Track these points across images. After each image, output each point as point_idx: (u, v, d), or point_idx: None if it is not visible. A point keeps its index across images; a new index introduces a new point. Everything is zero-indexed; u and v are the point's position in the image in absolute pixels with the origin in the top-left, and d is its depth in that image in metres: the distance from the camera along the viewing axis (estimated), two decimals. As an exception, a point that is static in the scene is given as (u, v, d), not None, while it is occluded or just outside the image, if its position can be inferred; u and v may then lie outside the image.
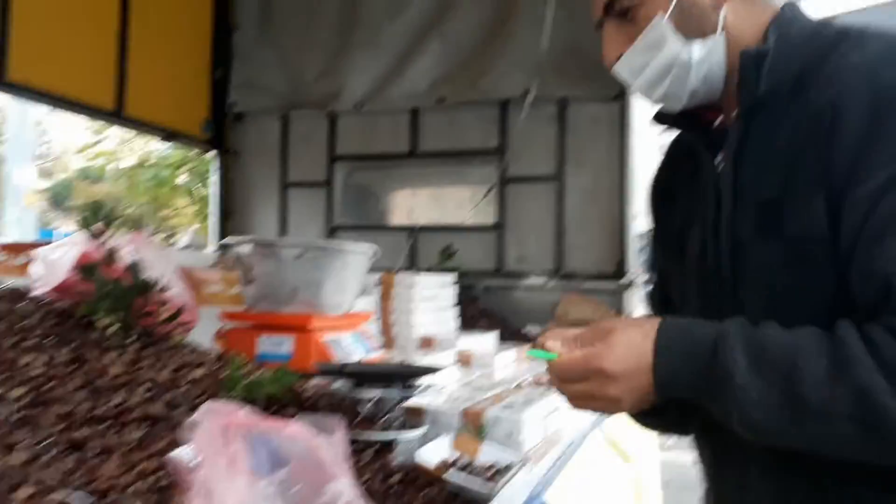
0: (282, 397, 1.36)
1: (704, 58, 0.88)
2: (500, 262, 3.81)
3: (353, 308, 1.99)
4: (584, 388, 0.82)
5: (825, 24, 0.88)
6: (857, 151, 0.75)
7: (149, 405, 1.21)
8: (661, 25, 0.87)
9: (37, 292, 1.52)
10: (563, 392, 0.86)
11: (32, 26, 2.97)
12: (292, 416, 1.33)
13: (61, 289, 1.48)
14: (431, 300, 2.66)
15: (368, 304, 2.44)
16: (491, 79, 3.82)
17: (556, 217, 3.68)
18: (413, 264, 3.91)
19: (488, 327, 3.07)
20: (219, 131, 4.25)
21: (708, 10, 0.88)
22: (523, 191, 3.79)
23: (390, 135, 4.10)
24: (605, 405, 0.84)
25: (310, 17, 4.21)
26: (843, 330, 0.72)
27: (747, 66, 0.86)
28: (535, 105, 3.51)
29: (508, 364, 2.48)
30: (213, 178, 4.41)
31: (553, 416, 1.79)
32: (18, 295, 1.46)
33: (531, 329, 3.32)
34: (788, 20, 0.88)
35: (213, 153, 4.31)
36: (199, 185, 16.68)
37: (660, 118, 1.01)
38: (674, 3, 0.86)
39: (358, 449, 1.30)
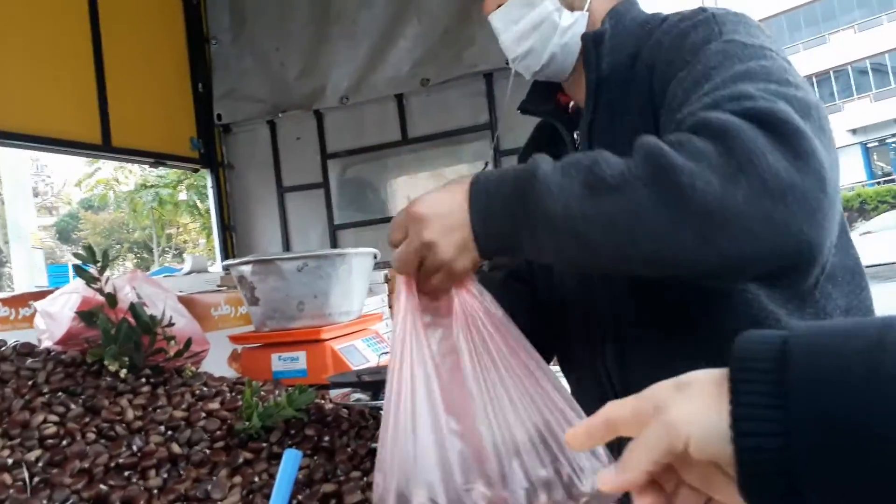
0: (302, 417, 1.34)
1: (569, 27, 1.01)
2: (506, 238, 3.77)
3: (364, 311, 1.97)
4: (405, 243, 0.82)
5: (654, 15, 1.00)
6: (665, 83, 0.86)
7: (167, 446, 1.20)
8: None
9: (43, 345, 1.52)
10: (395, 260, 0.85)
11: (5, 72, 2.95)
12: (315, 435, 1.32)
13: (66, 339, 1.48)
14: (442, 289, 2.64)
15: (378, 303, 2.42)
16: (472, 52, 3.76)
17: (556, 184, 3.63)
18: (420, 253, 3.88)
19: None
20: (209, 146, 4.22)
21: None
22: (520, 162, 3.75)
23: (379, 125, 4.05)
24: (424, 252, 0.80)
25: (283, 18, 4.15)
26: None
27: (587, 46, 1.00)
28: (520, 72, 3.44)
29: (528, 342, 2.46)
30: (210, 195, 4.40)
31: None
32: (26, 351, 1.45)
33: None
34: (623, 11, 1.02)
35: (205, 170, 4.29)
36: (198, 199, 16.82)
37: (524, 109, 1.15)
38: None
39: (383, 460, 1.28)
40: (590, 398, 1.04)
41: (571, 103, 1.09)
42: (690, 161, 0.64)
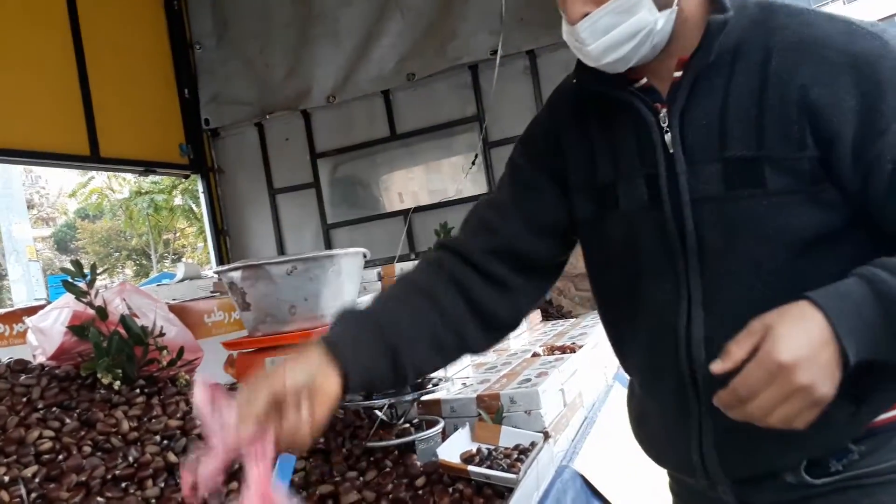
0: (295, 420, 1.35)
1: (662, 27, 0.92)
2: (499, 229, 3.77)
3: (356, 310, 1.98)
4: (772, 393, 0.76)
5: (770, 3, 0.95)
6: (861, 112, 0.85)
7: (163, 456, 1.21)
8: None
9: (37, 361, 1.52)
10: (753, 414, 0.78)
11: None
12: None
13: (59, 353, 1.48)
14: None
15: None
16: (456, 45, 3.75)
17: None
18: (412, 248, 3.89)
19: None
20: (198, 152, 4.22)
21: None
22: (509, 152, 3.74)
23: (367, 122, 4.05)
24: (803, 399, 0.76)
25: (266, 19, 4.14)
26: None
27: (714, 33, 0.92)
28: (505, 63, 3.45)
29: (521, 332, 2.47)
30: (202, 200, 4.40)
31: (572, 380, 1.78)
32: (19, 368, 1.46)
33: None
34: None
35: (196, 176, 4.29)
36: (193, 203, 16.85)
37: (582, 83, 1.05)
38: None
39: (377, 458, 1.30)
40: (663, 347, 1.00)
41: (644, 80, 0.99)
42: None
